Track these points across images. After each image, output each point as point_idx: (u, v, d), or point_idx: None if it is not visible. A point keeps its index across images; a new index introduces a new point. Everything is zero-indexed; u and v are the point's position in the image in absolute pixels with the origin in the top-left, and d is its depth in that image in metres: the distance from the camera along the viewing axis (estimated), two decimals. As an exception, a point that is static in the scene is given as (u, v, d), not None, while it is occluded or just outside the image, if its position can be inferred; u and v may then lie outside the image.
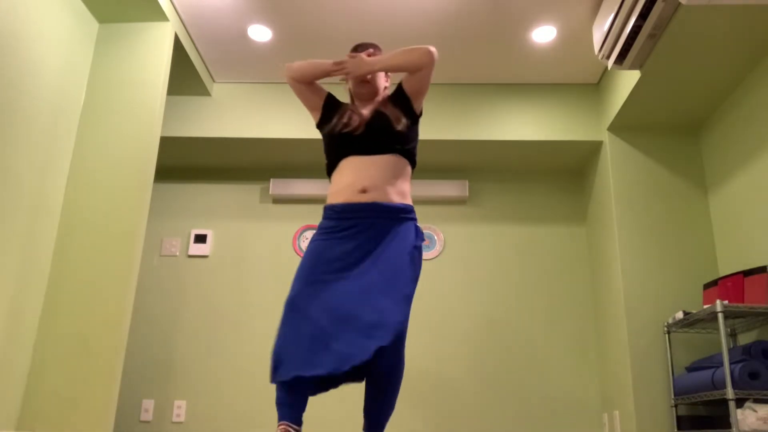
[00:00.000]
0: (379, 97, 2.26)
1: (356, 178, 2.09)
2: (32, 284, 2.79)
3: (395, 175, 2.12)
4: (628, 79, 3.49)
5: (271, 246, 4.24)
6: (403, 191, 2.13)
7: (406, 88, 2.20)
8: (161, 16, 3.27)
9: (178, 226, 4.31)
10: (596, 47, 3.36)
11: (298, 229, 4.27)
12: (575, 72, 3.92)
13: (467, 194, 4.25)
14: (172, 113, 3.99)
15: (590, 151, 4.06)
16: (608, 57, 3.30)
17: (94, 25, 3.29)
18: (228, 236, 4.27)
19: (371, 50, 2.26)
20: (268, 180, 4.38)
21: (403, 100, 2.20)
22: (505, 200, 4.34)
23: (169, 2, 3.32)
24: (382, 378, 2.04)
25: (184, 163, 4.35)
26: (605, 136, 3.87)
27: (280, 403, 1.90)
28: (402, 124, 2.15)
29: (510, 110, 4.00)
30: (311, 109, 2.28)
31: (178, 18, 3.45)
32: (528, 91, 4.04)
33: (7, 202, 2.61)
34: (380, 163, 2.10)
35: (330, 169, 2.21)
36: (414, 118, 2.20)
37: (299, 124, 3.97)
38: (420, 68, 2.13)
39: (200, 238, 4.25)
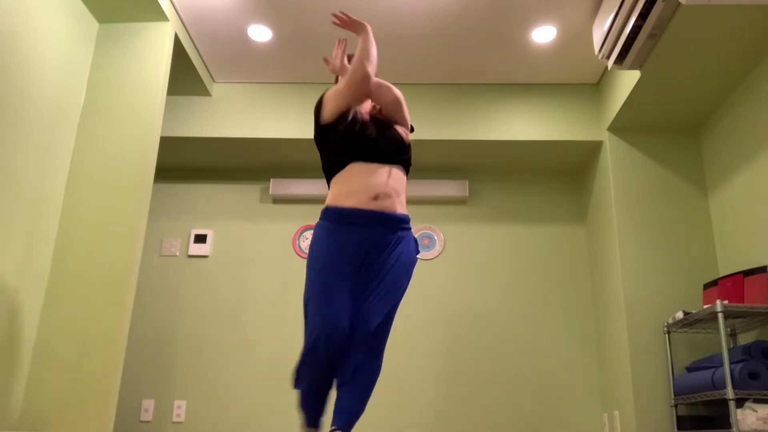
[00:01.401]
0: (369, 107, 2.33)
1: (369, 185, 2.09)
2: (32, 284, 2.79)
3: (401, 185, 2.19)
4: (628, 79, 3.49)
5: (271, 246, 4.24)
6: (403, 202, 2.21)
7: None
8: (161, 16, 3.27)
9: (178, 226, 4.31)
10: (596, 47, 3.36)
11: (298, 229, 4.27)
12: (575, 72, 3.92)
13: (467, 194, 4.25)
14: (172, 113, 3.99)
15: (590, 151, 4.06)
16: (608, 57, 3.30)
17: (94, 25, 3.29)
18: (228, 236, 4.27)
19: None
20: (268, 180, 4.38)
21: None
22: (505, 200, 4.34)
23: (169, 2, 3.32)
24: (357, 372, 2.04)
25: (184, 163, 4.35)
26: (605, 136, 3.87)
27: None
28: (406, 135, 2.28)
29: (510, 110, 4.00)
30: (341, 109, 2.18)
31: (178, 18, 3.45)
32: (528, 91, 4.04)
33: (7, 201, 2.61)
34: (391, 172, 2.14)
35: (334, 168, 2.16)
36: (409, 129, 2.37)
37: (299, 124, 3.97)
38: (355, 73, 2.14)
39: (200, 238, 4.25)
